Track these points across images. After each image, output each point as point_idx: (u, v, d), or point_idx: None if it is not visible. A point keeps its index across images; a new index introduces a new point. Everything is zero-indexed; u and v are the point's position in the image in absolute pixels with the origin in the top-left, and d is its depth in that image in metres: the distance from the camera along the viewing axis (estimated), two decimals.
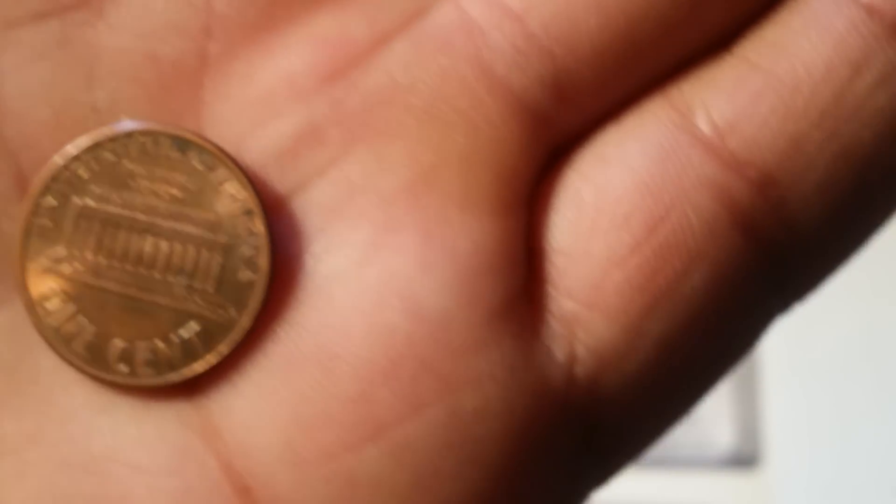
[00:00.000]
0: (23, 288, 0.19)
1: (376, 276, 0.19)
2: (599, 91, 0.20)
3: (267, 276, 0.19)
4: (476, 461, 0.18)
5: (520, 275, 0.19)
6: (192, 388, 0.19)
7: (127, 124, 0.19)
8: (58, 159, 0.19)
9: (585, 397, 0.19)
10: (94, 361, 0.19)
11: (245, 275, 0.19)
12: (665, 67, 0.20)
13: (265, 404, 0.18)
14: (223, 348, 0.19)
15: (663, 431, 0.21)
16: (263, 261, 0.19)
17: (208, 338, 0.19)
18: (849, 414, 0.60)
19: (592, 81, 0.19)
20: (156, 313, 0.19)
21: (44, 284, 0.19)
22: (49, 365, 0.19)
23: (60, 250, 0.19)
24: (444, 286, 0.19)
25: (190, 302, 0.19)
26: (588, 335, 0.19)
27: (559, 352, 0.19)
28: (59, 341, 0.19)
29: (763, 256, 0.20)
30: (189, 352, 0.19)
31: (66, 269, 0.19)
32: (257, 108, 0.19)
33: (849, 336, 0.60)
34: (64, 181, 0.19)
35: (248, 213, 0.19)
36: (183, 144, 0.19)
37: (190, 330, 0.19)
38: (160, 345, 0.19)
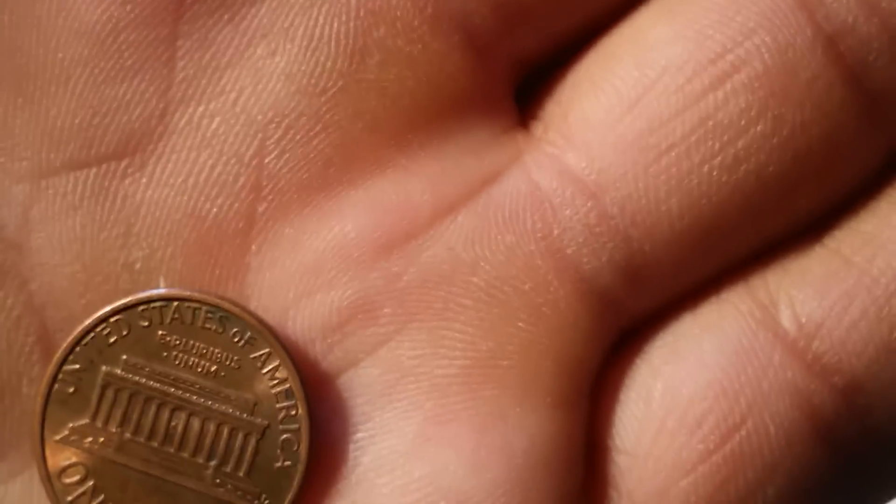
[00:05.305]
0: (40, 458, 0.17)
1: (423, 472, 0.17)
2: (676, 275, 0.18)
3: (305, 464, 0.17)
4: None
5: (578, 474, 0.18)
6: None
7: (163, 288, 0.17)
8: (86, 321, 0.17)
9: None
10: None
11: (281, 461, 0.17)
12: (748, 252, 0.18)
13: None
14: None
15: None
16: (302, 447, 0.17)
17: None
18: None
19: (669, 266, 0.18)
20: (181, 497, 0.17)
21: (63, 456, 0.17)
22: None
23: (83, 421, 0.17)
24: (495, 487, 0.17)
25: (219, 487, 0.17)
26: None
27: None
28: None
29: (841, 465, 0.18)
30: None
31: (87, 441, 0.17)
32: (305, 277, 0.17)
33: None
34: (91, 346, 0.17)
35: (289, 394, 0.17)
36: (223, 317, 0.17)
37: None
38: None
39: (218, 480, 0.17)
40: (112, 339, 0.17)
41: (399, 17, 0.17)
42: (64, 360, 0.17)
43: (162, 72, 0.17)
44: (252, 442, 0.17)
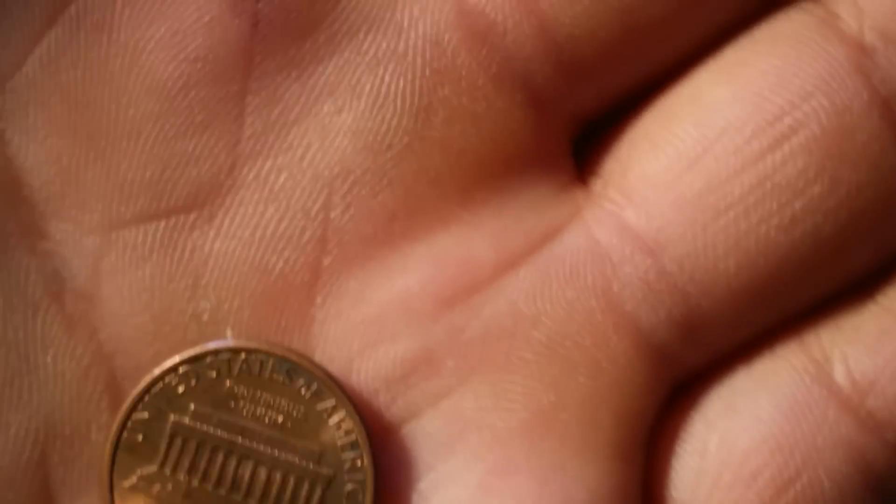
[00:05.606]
0: None
1: None
2: (731, 331, 0.18)
3: None
4: None
5: None
6: None
7: (231, 339, 0.18)
8: (155, 371, 0.18)
9: None
10: None
11: None
12: (802, 309, 0.19)
13: None
14: None
15: None
16: (367, 497, 0.17)
17: None
18: None
19: (725, 321, 0.18)
20: None
21: (131, 503, 0.18)
22: None
23: (151, 468, 0.18)
24: None
25: None
26: None
27: None
28: None
29: None
30: None
31: (156, 488, 0.18)
32: (370, 329, 0.18)
33: None
34: (160, 395, 0.18)
35: (354, 446, 0.17)
36: (290, 368, 0.17)
37: None
38: None
39: None
40: (180, 389, 0.18)
41: (464, 76, 0.18)
42: (133, 409, 0.18)
43: (231, 127, 0.18)
44: (318, 492, 0.18)
